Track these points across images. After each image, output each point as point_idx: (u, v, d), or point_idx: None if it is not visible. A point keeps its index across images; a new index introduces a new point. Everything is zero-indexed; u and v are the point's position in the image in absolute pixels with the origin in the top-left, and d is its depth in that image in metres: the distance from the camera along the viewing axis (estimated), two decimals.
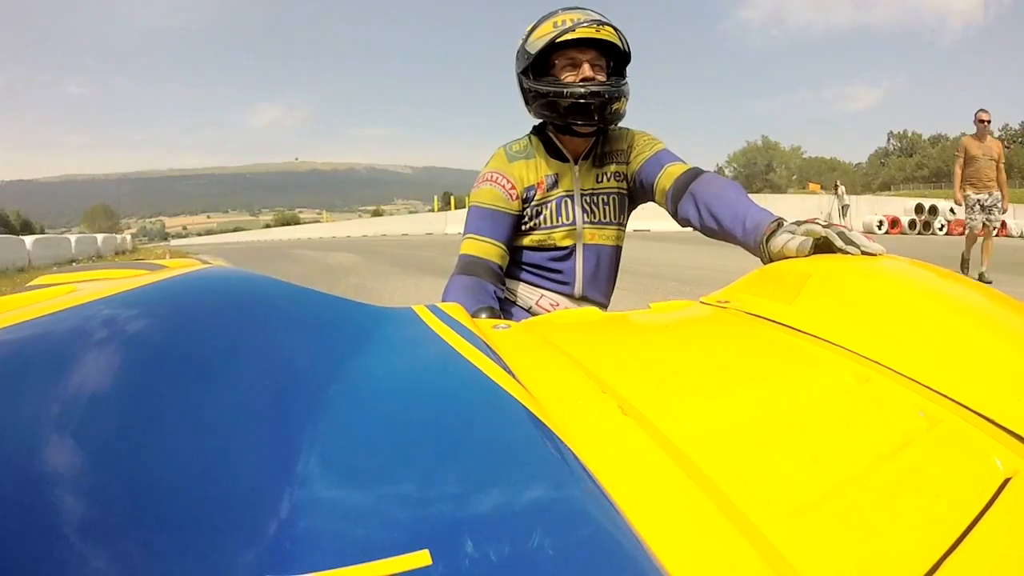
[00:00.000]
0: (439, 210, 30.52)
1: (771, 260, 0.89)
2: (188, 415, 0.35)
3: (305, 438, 0.36)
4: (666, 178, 1.20)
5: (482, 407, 0.42)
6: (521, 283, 1.33)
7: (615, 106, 1.18)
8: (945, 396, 0.50)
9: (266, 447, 0.35)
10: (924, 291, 0.63)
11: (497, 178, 1.25)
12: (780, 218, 0.94)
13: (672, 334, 0.73)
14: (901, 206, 18.69)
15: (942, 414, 0.47)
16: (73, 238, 19.50)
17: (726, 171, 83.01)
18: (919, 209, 17.35)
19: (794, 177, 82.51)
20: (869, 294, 0.65)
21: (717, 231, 1.07)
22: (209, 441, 0.34)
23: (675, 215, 1.18)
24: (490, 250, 1.23)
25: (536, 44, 1.19)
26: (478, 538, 0.28)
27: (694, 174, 1.16)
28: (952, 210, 17.08)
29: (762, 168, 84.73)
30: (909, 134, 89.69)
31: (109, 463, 0.30)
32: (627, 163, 1.30)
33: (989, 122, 5.66)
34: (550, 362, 0.55)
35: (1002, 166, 5.77)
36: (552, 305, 1.30)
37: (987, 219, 5.76)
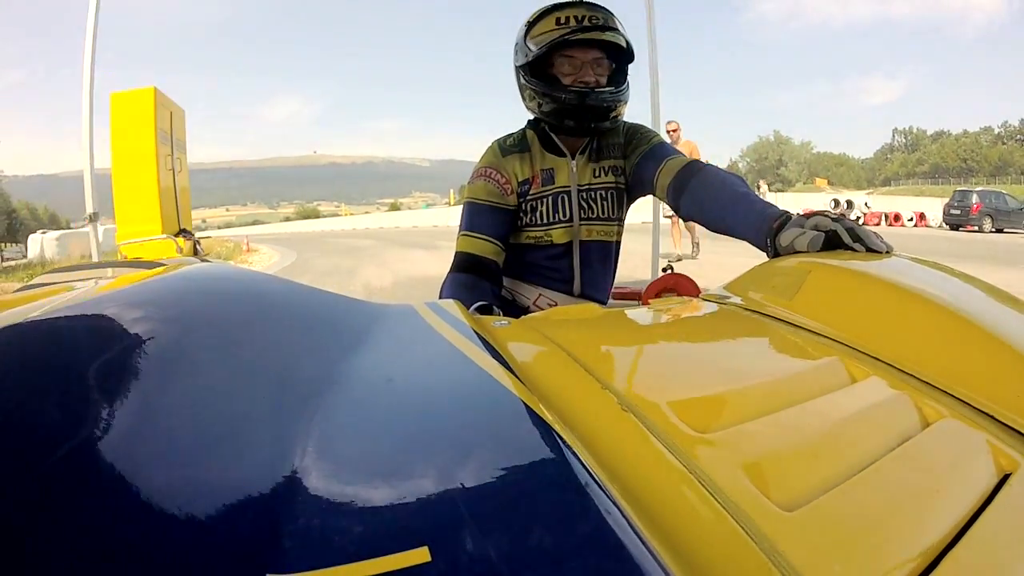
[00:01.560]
0: (455, 203, 32.22)
1: (778, 255, 0.86)
2: (186, 412, 0.35)
3: (303, 435, 0.35)
4: (666, 173, 1.17)
5: (481, 403, 0.41)
6: (519, 282, 1.30)
7: (613, 113, 1.17)
8: (945, 392, 0.50)
9: (264, 444, 0.34)
10: (924, 288, 0.62)
11: (491, 173, 1.23)
12: (787, 212, 0.91)
13: (671, 330, 0.72)
14: (822, 201, 21.27)
15: (942, 410, 0.46)
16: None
17: (739, 165, 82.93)
18: (836, 203, 19.63)
19: (804, 172, 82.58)
20: (869, 291, 0.65)
21: (721, 225, 1.04)
22: (206, 438, 0.33)
23: (678, 210, 1.15)
24: (486, 247, 1.19)
25: (538, 41, 1.15)
26: (477, 535, 0.28)
27: (696, 168, 1.14)
28: (867, 204, 19.31)
29: (773, 163, 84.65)
30: (914, 130, 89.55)
31: (105, 461, 0.30)
32: (624, 157, 1.27)
33: (676, 131, 6.63)
34: (550, 358, 0.53)
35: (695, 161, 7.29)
36: (550, 304, 1.27)
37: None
